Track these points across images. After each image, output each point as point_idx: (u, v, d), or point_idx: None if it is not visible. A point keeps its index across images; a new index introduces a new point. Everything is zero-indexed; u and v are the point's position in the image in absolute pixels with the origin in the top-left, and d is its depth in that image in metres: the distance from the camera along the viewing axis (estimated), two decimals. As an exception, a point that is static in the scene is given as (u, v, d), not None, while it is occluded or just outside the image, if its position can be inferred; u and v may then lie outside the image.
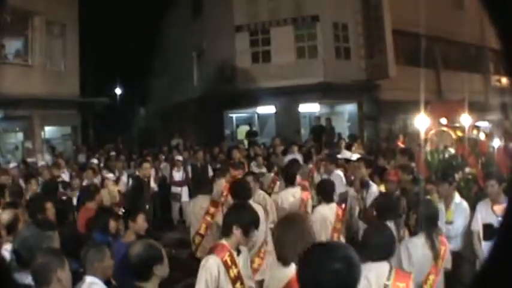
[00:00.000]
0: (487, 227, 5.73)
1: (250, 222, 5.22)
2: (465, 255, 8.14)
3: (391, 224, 6.33)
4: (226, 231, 5.26)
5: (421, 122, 11.34)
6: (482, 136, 13.78)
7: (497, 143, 10.69)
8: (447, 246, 6.36)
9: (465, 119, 12.00)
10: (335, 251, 2.86)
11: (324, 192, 8.48)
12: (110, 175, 13.81)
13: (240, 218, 5.19)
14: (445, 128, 13.42)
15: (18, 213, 6.62)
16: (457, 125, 13.57)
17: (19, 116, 22.10)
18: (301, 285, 2.85)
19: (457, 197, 8.03)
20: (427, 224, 6.31)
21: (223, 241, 5.23)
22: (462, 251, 8.03)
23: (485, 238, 6.30)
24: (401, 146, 14.18)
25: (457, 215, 7.83)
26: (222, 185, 9.49)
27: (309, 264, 2.80)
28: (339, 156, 12.74)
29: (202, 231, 8.73)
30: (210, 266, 5.04)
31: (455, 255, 7.95)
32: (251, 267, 6.89)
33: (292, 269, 4.27)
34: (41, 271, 4.38)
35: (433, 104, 15.66)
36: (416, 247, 6.01)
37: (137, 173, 14.73)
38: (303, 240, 4.41)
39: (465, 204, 7.94)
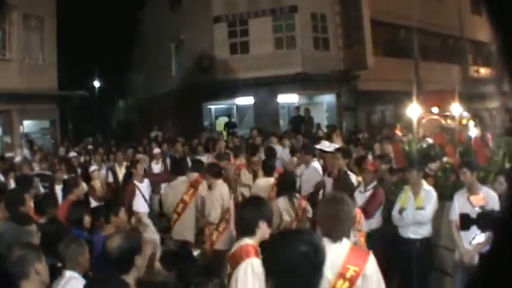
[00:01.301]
0: (463, 217, 5.80)
1: (271, 213, 5.22)
2: (436, 241, 8.30)
3: (285, 198, 8.25)
4: (250, 230, 4.94)
5: (414, 110, 11.55)
6: (471, 125, 13.89)
7: (474, 132, 10.81)
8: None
9: (455, 108, 12.18)
10: (301, 235, 3.02)
11: (265, 167, 10.53)
12: (93, 167, 13.81)
13: (264, 211, 5.03)
14: (436, 117, 13.59)
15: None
16: (448, 113, 13.74)
17: (-3, 111, 21.99)
18: (268, 269, 2.93)
19: (425, 184, 8.20)
20: (289, 188, 8.45)
21: (249, 241, 4.90)
22: (433, 237, 8.24)
23: (462, 227, 6.40)
24: (399, 134, 14.28)
25: (426, 201, 7.97)
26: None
27: (278, 249, 2.91)
28: (318, 146, 12.74)
29: (179, 210, 10.02)
30: (259, 271, 4.55)
31: (427, 241, 8.15)
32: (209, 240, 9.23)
33: (345, 243, 4.67)
34: (18, 264, 4.38)
35: (424, 94, 15.86)
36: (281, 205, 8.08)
37: (117, 166, 14.77)
38: (351, 218, 5.00)
39: (433, 191, 8.10)
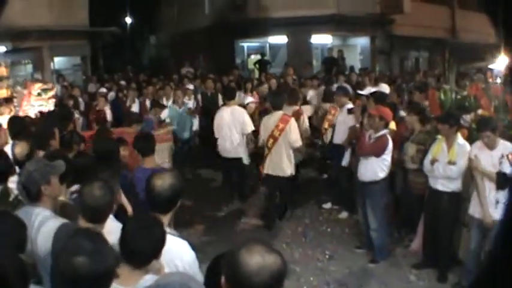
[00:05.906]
0: (500, 176, 5.62)
1: None
2: (465, 196, 8.16)
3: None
4: None
5: (502, 62, 12.28)
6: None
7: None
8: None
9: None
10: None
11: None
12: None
13: None
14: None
15: (31, 146, 6.55)
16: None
17: (28, 48, 21.97)
18: None
19: (460, 139, 8.06)
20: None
21: None
22: (463, 192, 8.11)
23: (498, 187, 6.24)
24: (491, 80, 13.99)
25: (459, 156, 7.83)
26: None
27: None
28: (362, 92, 12.40)
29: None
30: None
31: (456, 196, 8.04)
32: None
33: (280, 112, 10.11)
34: (39, 173, 4.59)
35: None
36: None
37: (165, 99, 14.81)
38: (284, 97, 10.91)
39: (468, 146, 7.94)
